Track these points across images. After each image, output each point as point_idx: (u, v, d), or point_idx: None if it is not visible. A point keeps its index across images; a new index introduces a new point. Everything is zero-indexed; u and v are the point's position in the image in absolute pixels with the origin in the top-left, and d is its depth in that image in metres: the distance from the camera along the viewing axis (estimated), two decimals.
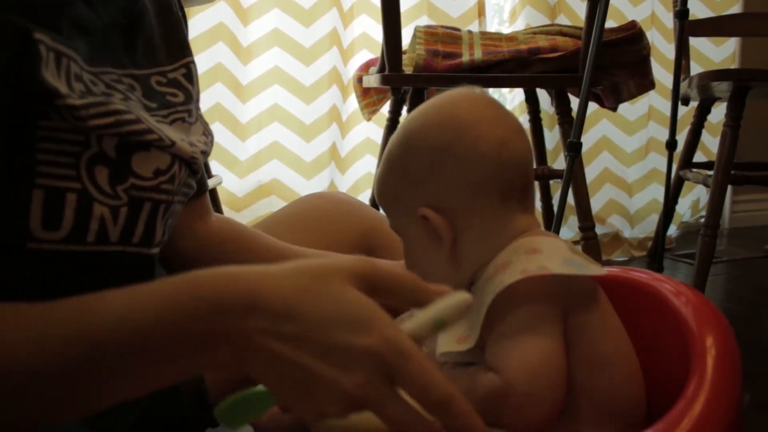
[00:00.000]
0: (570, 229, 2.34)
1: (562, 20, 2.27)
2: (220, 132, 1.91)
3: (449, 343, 0.57)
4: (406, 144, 0.62)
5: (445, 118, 0.61)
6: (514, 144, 0.60)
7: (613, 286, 0.64)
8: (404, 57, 1.61)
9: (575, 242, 2.04)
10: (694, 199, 2.69)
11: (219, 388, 0.68)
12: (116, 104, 0.53)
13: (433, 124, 0.61)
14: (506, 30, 2.23)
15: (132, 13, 0.61)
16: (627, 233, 2.48)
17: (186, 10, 0.73)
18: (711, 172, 1.73)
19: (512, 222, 0.60)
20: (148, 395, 0.45)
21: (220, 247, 0.75)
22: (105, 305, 0.43)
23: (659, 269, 1.78)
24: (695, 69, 2.20)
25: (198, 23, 1.86)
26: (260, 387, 0.45)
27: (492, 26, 2.32)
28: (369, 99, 1.90)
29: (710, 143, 2.57)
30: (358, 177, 2.15)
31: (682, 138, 2.08)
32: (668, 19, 2.46)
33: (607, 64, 1.63)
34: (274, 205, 1.99)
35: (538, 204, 2.12)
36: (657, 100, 2.50)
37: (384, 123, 1.80)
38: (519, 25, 2.23)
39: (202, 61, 1.86)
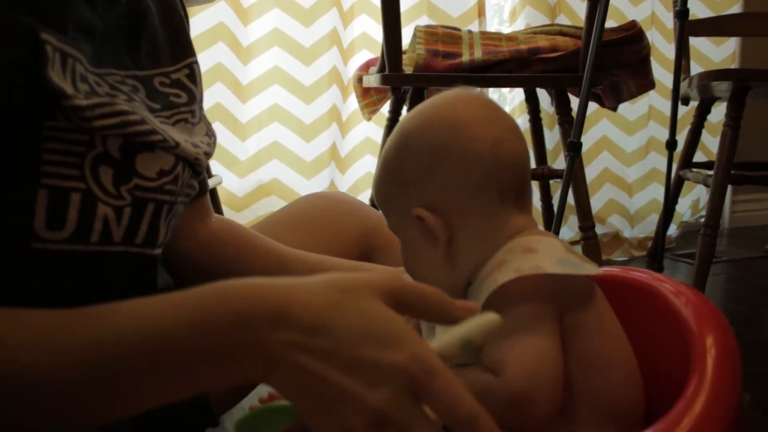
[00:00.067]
0: (570, 229, 2.34)
1: (562, 20, 2.27)
2: (220, 132, 1.91)
3: (446, 344, 0.57)
4: (401, 144, 0.62)
5: (441, 118, 0.61)
6: (510, 144, 0.60)
7: (613, 286, 0.64)
8: (404, 57, 1.61)
9: (575, 242, 2.05)
10: (694, 198, 2.69)
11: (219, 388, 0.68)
12: (121, 105, 0.53)
13: (429, 125, 0.61)
14: (506, 30, 2.23)
15: (135, 14, 0.60)
16: (627, 233, 2.48)
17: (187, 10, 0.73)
18: (711, 172, 1.73)
19: (508, 222, 0.60)
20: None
21: (220, 248, 0.75)
22: (133, 313, 0.44)
23: (659, 269, 1.78)
24: (695, 69, 2.20)
25: (198, 23, 1.86)
26: (282, 401, 0.44)
27: (492, 26, 2.32)
28: (369, 99, 1.90)
29: (710, 143, 2.57)
30: (358, 177, 2.15)
31: (682, 138, 2.08)
32: (668, 19, 2.46)
33: (607, 63, 1.63)
34: (274, 205, 1.99)
35: (538, 204, 2.12)
36: (657, 100, 2.50)
37: (384, 123, 1.80)
38: (519, 25, 2.23)
39: (202, 60, 1.84)
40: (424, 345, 0.43)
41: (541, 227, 0.63)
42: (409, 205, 0.61)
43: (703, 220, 1.83)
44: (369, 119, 1.99)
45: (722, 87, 1.76)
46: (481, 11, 2.17)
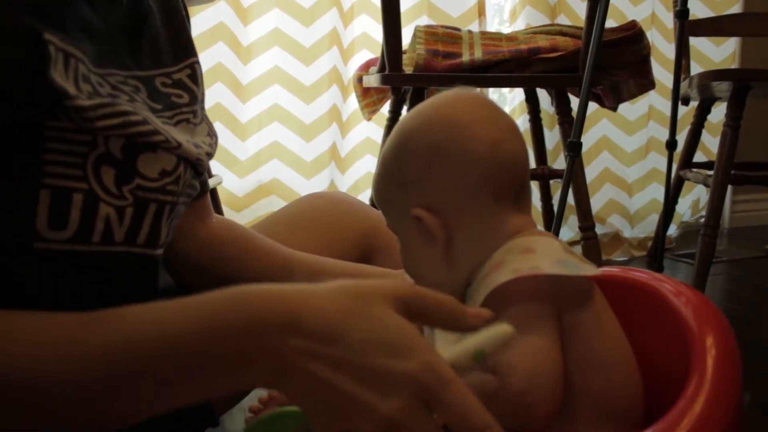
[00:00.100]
0: (570, 229, 2.34)
1: (563, 20, 2.27)
2: (220, 132, 1.90)
3: (446, 345, 0.57)
4: (401, 144, 0.62)
5: (439, 118, 0.61)
6: (508, 144, 0.60)
7: (613, 286, 0.64)
8: (404, 57, 1.61)
9: (575, 242, 2.05)
10: (694, 199, 2.69)
11: None
12: (123, 105, 0.53)
13: (427, 125, 0.61)
14: (506, 30, 2.23)
15: (136, 14, 0.60)
16: (627, 233, 2.48)
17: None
18: (711, 172, 1.73)
19: (506, 222, 0.60)
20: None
21: (220, 248, 0.75)
22: (139, 319, 0.44)
23: (659, 269, 1.78)
24: (695, 69, 2.20)
25: (198, 23, 1.86)
26: (290, 406, 0.44)
27: (492, 26, 2.32)
28: (369, 99, 1.90)
29: (710, 143, 2.57)
30: (358, 177, 2.15)
31: (682, 138, 2.08)
32: (668, 19, 2.46)
33: (608, 63, 1.63)
34: (274, 205, 1.99)
35: (538, 204, 2.12)
36: (657, 100, 2.50)
37: (384, 123, 1.80)
38: (519, 25, 2.23)
39: (203, 60, 1.83)
40: (436, 355, 0.43)
41: (541, 227, 0.63)
42: (408, 204, 0.61)
43: (703, 220, 1.83)
44: (369, 119, 1.99)
45: (722, 87, 1.76)
46: (481, 11, 2.17)
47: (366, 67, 1.86)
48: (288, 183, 2.02)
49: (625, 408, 0.57)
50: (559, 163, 2.27)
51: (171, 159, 0.58)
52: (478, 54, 1.60)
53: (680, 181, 2.14)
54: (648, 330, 0.62)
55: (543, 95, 2.09)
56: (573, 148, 1.45)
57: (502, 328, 0.46)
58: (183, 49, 0.66)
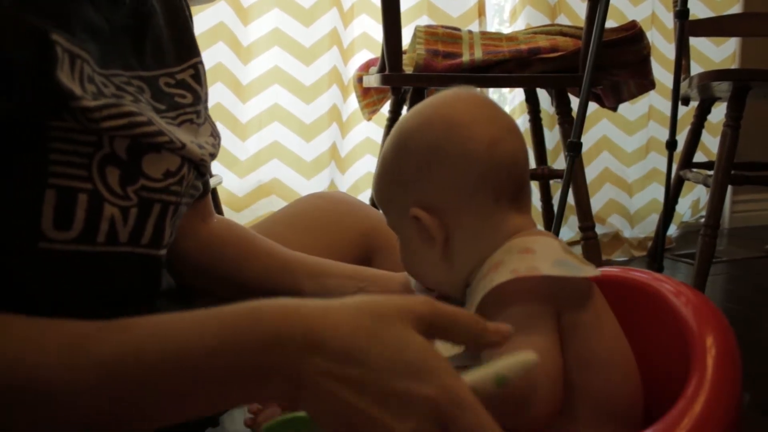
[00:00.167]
0: (570, 229, 2.34)
1: (563, 20, 2.27)
2: (220, 132, 1.91)
3: (446, 347, 0.57)
4: (400, 144, 0.62)
5: (439, 118, 0.61)
6: (507, 144, 0.60)
7: (612, 286, 0.64)
8: (404, 57, 1.61)
9: (575, 242, 2.05)
10: (694, 199, 2.69)
11: None
12: (128, 106, 0.53)
13: (426, 124, 0.61)
14: (506, 30, 2.23)
15: (140, 14, 0.60)
16: (627, 233, 2.48)
17: None
18: (711, 172, 1.73)
19: (505, 222, 0.60)
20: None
21: (221, 249, 0.75)
22: (150, 330, 0.43)
23: (659, 269, 1.78)
24: (695, 69, 2.20)
25: (198, 23, 1.86)
26: (300, 413, 0.44)
27: (492, 26, 2.32)
28: (369, 99, 1.90)
29: (710, 143, 2.57)
30: (358, 177, 2.15)
31: (682, 138, 2.08)
32: (668, 19, 2.46)
33: (608, 64, 1.63)
34: (274, 204, 1.99)
35: (538, 204, 2.12)
36: (657, 100, 2.50)
37: (384, 123, 1.80)
38: (519, 25, 2.23)
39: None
40: (456, 378, 0.42)
41: (540, 227, 0.63)
42: (407, 204, 0.61)
43: (703, 220, 1.83)
44: (369, 119, 1.99)
45: (722, 87, 1.76)
46: (481, 11, 2.17)
47: (366, 67, 1.86)
48: (288, 183, 2.02)
49: (624, 408, 0.57)
50: (559, 163, 2.27)
51: (175, 160, 0.58)
52: (478, 54, 1.60)
53: (680, 181, 2.14)
54: (648, 330, 0.62)
55: (543, 95, 2.09)
56: (573, 148, 1.45)
57: (526, 356, 0.46)
58: (186, 49, 0.66)
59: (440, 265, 0.61)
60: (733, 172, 1.69)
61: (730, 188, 2.42)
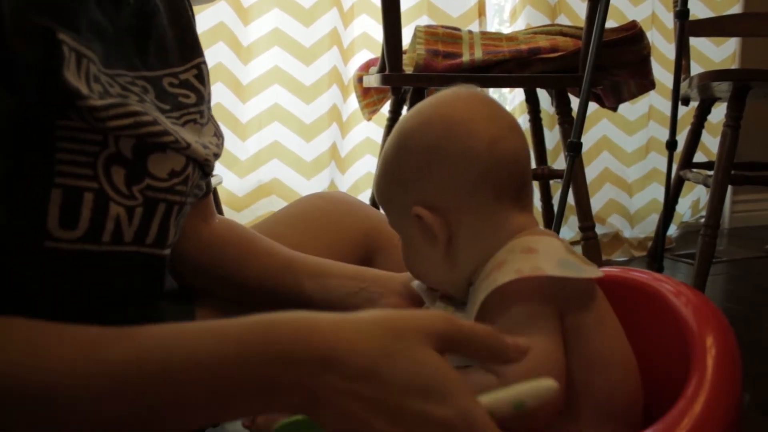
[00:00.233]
0: (570, 229, 2.35)
1: (563, 20, 2.27)
2: None
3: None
4: (400, 144, 0.62)
5: (439, 117, 0.61)
6: (507, 142, 0.60)
7: (613, 286, 0.64)
8: (404, 57, 1.61)
9: (575, 242, 2.05)
10: (694, 199, 2.69)
11: None
12: (134, 106, 0.53)
13: (426, 123, 0.61)
14: (506, 30, 2.23)
15: (143, 14, 0.60)
16: (627, 233, 2.48)
17: None
18: (711, 172, 1.73)
19: (508, 221, 0.60)
20: None
21: (222, 249, 0.75)
22: (172, 339, 0.43)
23: (659, 269, 1.78)
24: (695, 69, 2.20)
25: (198, 23, 1.84)
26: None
27: (492, 26, 2.32)
28: (369, 99, 1.90)
29: (710, 143, 2.57)
30: (359, 177, 2.15)
31: (682, 138, 2.08)
32: (668, 19, 2.46)
33: (608, 64, 1.63)
34: (274, 204, 1.99)
35: (538, 204, 2.12)
36: (657, 100, 2.50)
37: (384, 123, 1.80)
38: (519, 25, 2.23)
39: None
40: (473, 400, 0.42)
41: (540, 227, 0.63)
42: (409, 203, 0.61)
43: (703, 220, 1.83)
44: (369, 119, 1.99)
45: (722, 87, 1.76)
46: (481, 11, 2.17)
47: (366, 67, 1.86)
48: (288, 183, 2.02)
49: (624, 407, 0.57)
50: (559, 163, 2.27)
51: (180, 159, 0.58)
52: (478, 54, 1.60)
53: (680, 181, 2.14)
54: (648, 330, 0.62)
55: (543, 95, 2.09)
56: (573, 148, 1.45)
57: (546, 383, 0.45)
58: (190, 48, 0.66)
59: (442, 264, 0.61)
60: (733, 172, 1.69)
61: (730, 188, 2.42)
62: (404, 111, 1.77)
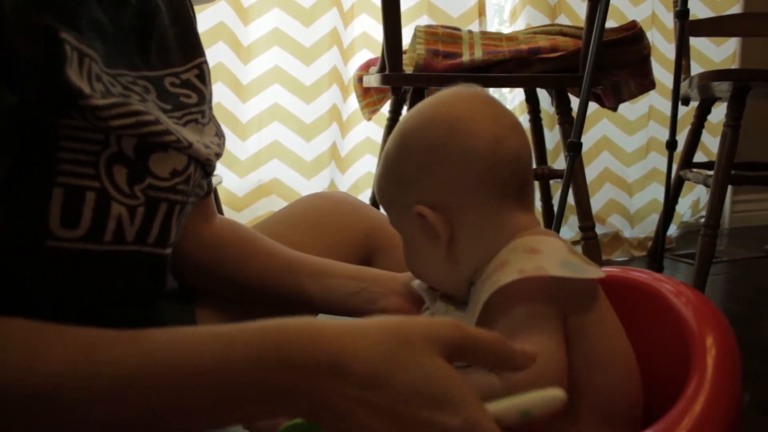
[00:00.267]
0: (570, 229, 2.35)
1: (563, 20, 2.27)
2: None
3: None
4: (402, 143, 0.62)
5: (440, 116, 0.61)
6: (510, 141, 0.60)
7: (613, 286, 0.64)
8: (404, 57, 1.61)
9: (575, 242, 2.05)
10: (694, 199, 2.69)
11: None
12: (136, 105, 0.53)
13: (428, 122, 0.61)
14: (506, 30, 2.23)
15: (145, 14, 0.60)
16: (627, 233, 2.48)
17: None
18: (711, 172, 1.73)
19: (510, 220, 0.60)
20: None
21: (223, 249, 0.75)
22: (177, 342, 0.43)
23: (659, 269, 1.78)
24: (695, 69, 2.20)
25: (198, 23, 1.84)
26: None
27: (492, 26, 2.32)
28: (369, 99, 1.90)
29: (710, 143, 2.58)
30: (359, 176, 2.15)
31: (682, 138, 2.08)
32: (669, 19, 2.46)
33: (608, 64, 1.63)
34: (274, 204, 1.99)
35: (538, 204, 2.12)
36: (657, 100, 2.50)
37: (384, 123, 1.81)
38: (519, 25, 2.23)
39: None
40: (481, 409, 0.42)
41: (540, 226, 0.63)
42: (410, 202, 0.61)
43: (703, 220, 1.83)
44: (369, 119, 1.99)
45: (722, 87, 1.76)
46: (481, 11, 2.17)
47: (366, 66, 1.86)
48: (288, 183, 2.02)
49: (625, 407, 0.57)
50: (559, 163, 2.27)
51: (182, 159, 0.58)
52: (479, 54, 1.60)
53: (680, 181, 2.14)
54: (648, 330, 0.62)
55: (543, 95, 2.09)
56: (573, 148, 1.45)
57: (554, 393, 0.45)
58: (191, 48, 0.66)
59: (444, 263, 0.61)
60: (733, 172, 1.69)
61: (730, 188, 2.42)
62: (404, 111, 1.77)
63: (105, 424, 0.41)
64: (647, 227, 2.52)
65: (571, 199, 1.54)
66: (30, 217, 0.48)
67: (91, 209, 0.50)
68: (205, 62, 0.68)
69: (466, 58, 1.59)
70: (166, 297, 0.64)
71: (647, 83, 1.72)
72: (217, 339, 0.43)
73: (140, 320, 0.59)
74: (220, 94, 1.91)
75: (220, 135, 0.68)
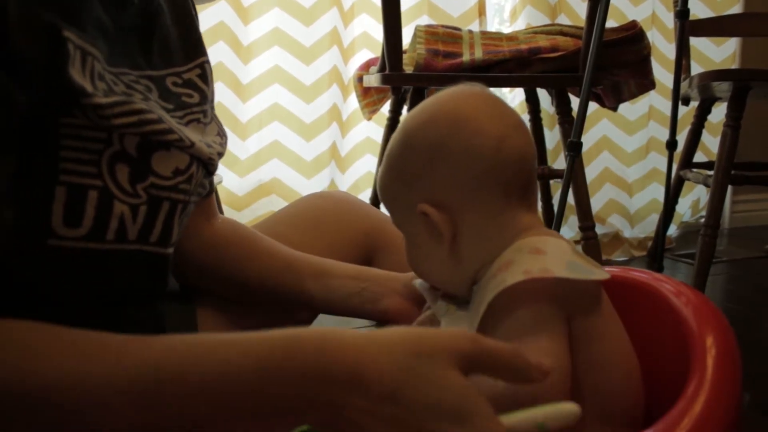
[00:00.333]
0: (570, 228, 2.35)
1: (563, 20, 2.27)
2: None
3: (450, 320, 0.57)
4: (404, 141, 0.62)
5: (443, 114, 0.60)
6: (513, 140, 0.59)
7: (613, 286, 0.64)
8: (405, 56, 1.61)
9: (575, 242, 2.05)
10: (694, 199, 2.69)
11: None
12: (139, 104, 0.53)
13: (431, 121, 0.61)
14: (507, 29, 2.23)
15: (147, 14, 0.60)
16: (627, 233, 2.48)
17: None
18: (711, 172, 1.73)
19: (514, 219, 0.59)
20: None
21: (224, 249, 0.75)
22: (190, 350, 0.43)
23: (659, 269, 1.78)
24: (695, 69, 2.20)
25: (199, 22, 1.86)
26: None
27: (492, 26, 2.32)
28: (369, 98, 1.90)
29: (710, 143, 2.58)
30: (359, 176, 2.15)
31: (682, 138, 2.08)
32: (669, 19, 2.46)
33: (608, 63, 1.63)
34: (274, 204, 1.99)
35: (538, 204, 2.12)
36: (657, 100, 2.50)
37: (384, 122, 1.81)
38: (519, 25, 2.23)
39: None
40: (497, 423, 0.42)
41: (543, 226, 0.62)
42: (413, 201, 0.60)
43: (703, 220, 1.83)
44: (369, 119, 1.99)
45: (722, 87, 1.76)
46: (481, 11, 2.17)
47: (366, 66, 1.86)
48: (288, 182, 2.02)
49: (625, 407, 0.57)
50: (559, 163, 2.27)
51: (184, 158, 0.58)
52: (479, 54, 1.60)
53: (680, 181, 2.15)
54: (648, 330, 0.62)
55: (543, 95, 2.09)
56: (573, 148, 1.45)
57: (569, 407, 0.45)
58: (193, 48, 0.67)
59: (447, 262, 0.61)
60: (733, 172, 1.69)
61: (730, 188, 2.42)
62: (404, 111, 1.77)
63: (110, 429, 0.41)
64: (647, 227, 2.52)
65: (571, 199, 1.54)
66: (32, 215, 0.48)
67: (94, 208, 0.50)
68: (207, 62, 0.68)
69: (466, 57, 1.59)
70: (166, 297, 0.64)
71: (647, 83, 1.72)
72: (234, 347, 0.43)
73: (141, 320, 0.59)
74: (220, 94, 1.91)
75: (222, 134, 0.68)
